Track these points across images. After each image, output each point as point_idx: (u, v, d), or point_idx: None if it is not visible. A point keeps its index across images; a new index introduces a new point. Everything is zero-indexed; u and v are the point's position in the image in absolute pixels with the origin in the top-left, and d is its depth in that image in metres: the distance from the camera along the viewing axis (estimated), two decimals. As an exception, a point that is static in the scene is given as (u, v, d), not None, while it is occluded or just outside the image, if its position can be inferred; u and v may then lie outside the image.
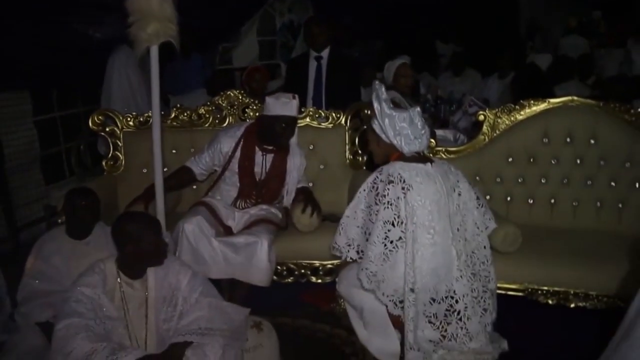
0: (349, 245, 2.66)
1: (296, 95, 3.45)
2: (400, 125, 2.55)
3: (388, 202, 2.49)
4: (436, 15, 9.04)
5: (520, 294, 3.09)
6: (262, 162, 3.44)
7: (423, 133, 2.58)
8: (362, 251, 2.60)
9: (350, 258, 2.67)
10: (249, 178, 3.42)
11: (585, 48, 7.66)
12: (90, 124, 3.87)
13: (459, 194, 2.62)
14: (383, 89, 2.62)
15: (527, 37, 9.64)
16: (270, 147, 3.44)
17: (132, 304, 2.39)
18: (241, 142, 3.45)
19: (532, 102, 3.54)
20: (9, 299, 3.04)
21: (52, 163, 5.19)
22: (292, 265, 3.39)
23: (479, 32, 8.81)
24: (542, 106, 3.51)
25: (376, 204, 2.53)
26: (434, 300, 2.50)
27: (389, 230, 2.49)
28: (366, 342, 2.81)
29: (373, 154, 2.81)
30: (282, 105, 3.34)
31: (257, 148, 3.44)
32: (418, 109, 2.64)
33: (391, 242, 2.49)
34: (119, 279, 2.39)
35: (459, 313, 2.51)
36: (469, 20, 9.04)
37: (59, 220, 3.22)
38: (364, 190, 2.63)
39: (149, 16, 2.78)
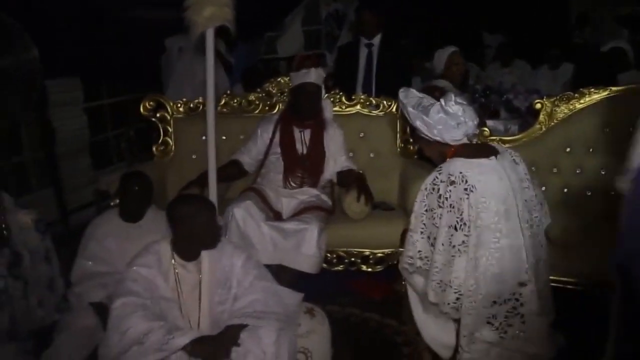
0: (413, 258, 2.45)
1: (319, 67, 3.61)
2: (436, 118, 2.37)
3: (450, 204, 2.30)
4: (483, 5, 8.86)
5: (577, 287, 3.00)
6: (301, 137, 3.53)
7: (464, 119, 2.37)
8: (426, 257, 2.42)
9: (418, 267, 2.48)
10: (292, 154, 3.50)
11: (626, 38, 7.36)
12: (141, 109, 3.89)
13: (527, 187, 2.43)
14: (409, 94, 2.48)
15: (577, 27, 9.39)
16: (306, 122, 3.53)
17: (185, 286, 2.39)
18: (279, 124, 3.57)
19: (592, 90, 3.42)
20: (62, 280, 3.09)
21: (99, 149, 5.26)
22: (342, 253, 3.36)
23: (527, 22, 8.61)
24: (604, 94, 3.39)
25: (439, 207, 2.33)
26: (495, 302, 2.34)
27: (452, 235, 2.30)
28: (421, 327, 2.69)
29: (431, 158, 2.65)
30: (302, 75, 3.50)
31: (294, 127, 3.54)
32: (451, 94, 2.44)
33: (454, 246, 2.30)
34: (173, 261, 2.40)
35: (522, 316, 2.34)
36: (516, 10, 8.84)
37: (112, 203, 3.26)
38: (424, 192, 2.41)
39: (206, 0, 2.77)
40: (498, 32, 8.89)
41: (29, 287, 2.87)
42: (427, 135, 2.44)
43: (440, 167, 2.39)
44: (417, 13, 8.45)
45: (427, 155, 2.67)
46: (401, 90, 2.51)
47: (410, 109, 2.43)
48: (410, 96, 2.47)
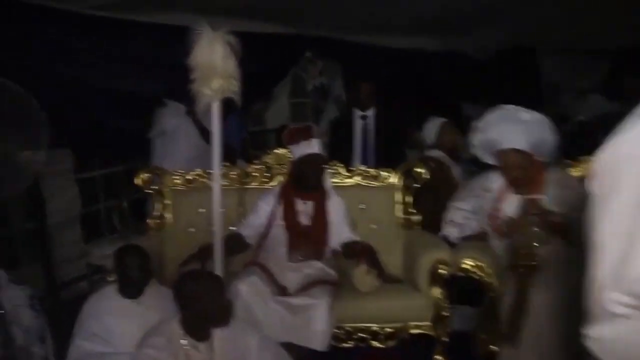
0: None
1: (316, 139, 3.61)
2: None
3: None
4: (460, 76, 9.09)
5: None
6: (304, 209, 3.51)
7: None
8: None
9: None
10: (296, 226, 3.47)
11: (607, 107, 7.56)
12: (136, 181, 3.83)
13: None
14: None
15: (548, 97, 9.68)
16: (309, 194, 3.51)
17: (196, 368, 2.29)
18: (281, 197, 3.54)
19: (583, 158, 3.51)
20: (55, 361, 2.96)
21: (90, 221, 5.16)
22: (349, 328, 3.26)
23: (503, 94, 8.82)
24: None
25: None
26: None
27: None
28: None
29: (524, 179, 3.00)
30: (304, 147, 3.50)
31: (296, 199, 3.52)
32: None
33: None
34: (183, 341, 2.30)
35: None
36: (491, 81, 9.08)
37: (108, 278, 3.15)
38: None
39: (213, 72, 2.79)
40: (478, 102, 9.09)
41: (21, 369, 2.74)
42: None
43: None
44: (396, 86, 8.67)
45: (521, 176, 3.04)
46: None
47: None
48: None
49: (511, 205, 3.11)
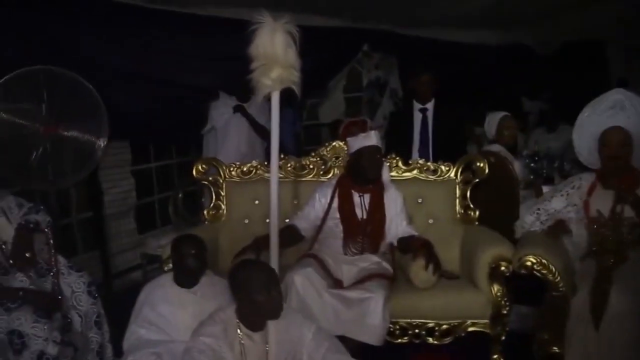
0: None
1: (374, 129, 3.54)
2: None
3: None
4: (521, 71, 8.86)
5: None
6: (361, 202, 3.43)
7: None
8: None
9: None
10: (352, 220, 3.40)
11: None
12: (194, 172, 3.84)
13: None
14: None
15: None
16: (366, 187, 3.43)
17: (250, 357, 2.28)
18: (337, 189, 3.48)
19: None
20: (111, 347, 2.99)
21: (144, 212, 5.23)
22: (404, 324, 3.18)
23: (568, 88, 8.55)
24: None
25: None
26: None
27: None
28: None
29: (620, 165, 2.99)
30: (362, 139, 3.41)
31: (353, 191, 3.44)
32: None
33: None
34: (238, 330, 2.29)
35: None
36: (556, 76, 8.80)
37: (165, 268, 3.17)
38: None
39: (274, 62, 2.76)
40: (537, 98, 8.84)
41: (78, 354, 2.77)
42: None
43: None
44: (456, 79, 8.49)
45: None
46: None
47: None
48: None
49: (600, 199, 3.03)
